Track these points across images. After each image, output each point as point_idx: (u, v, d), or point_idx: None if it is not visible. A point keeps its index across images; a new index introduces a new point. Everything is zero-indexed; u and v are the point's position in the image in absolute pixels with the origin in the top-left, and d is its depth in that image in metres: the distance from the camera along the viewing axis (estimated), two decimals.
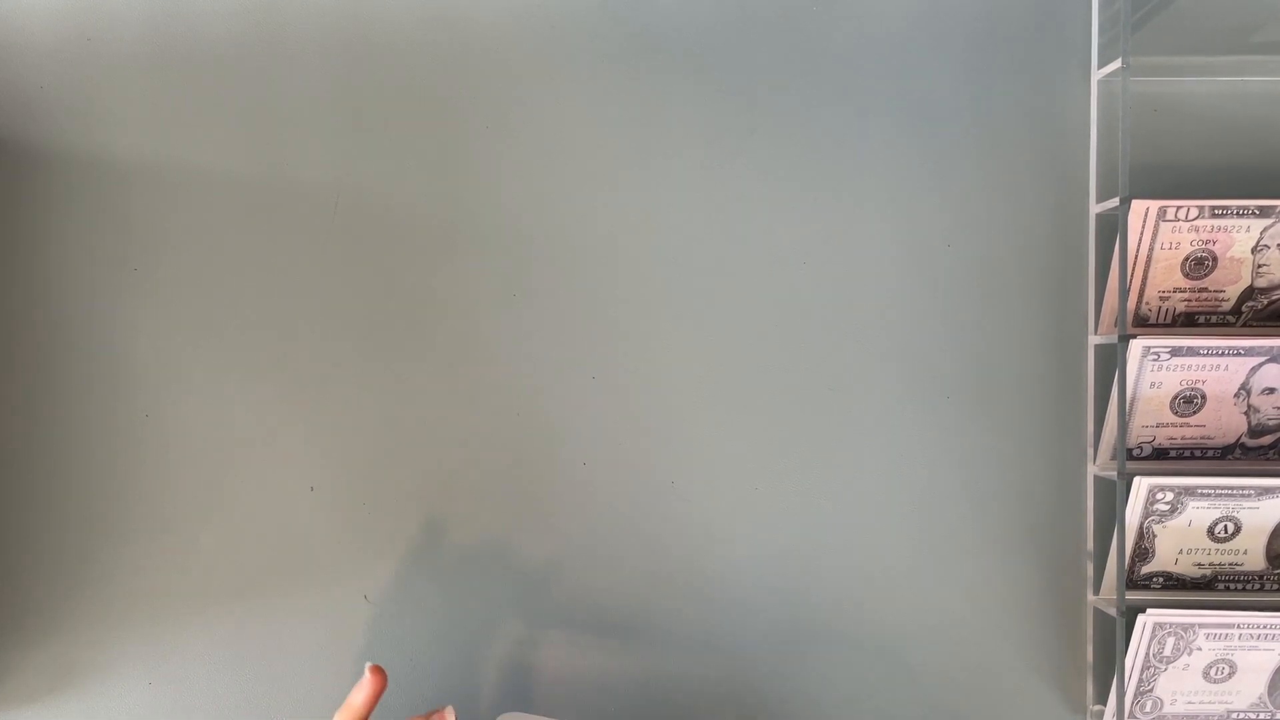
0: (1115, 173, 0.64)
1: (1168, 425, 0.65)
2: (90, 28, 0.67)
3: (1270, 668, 0.64)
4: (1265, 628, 0.63)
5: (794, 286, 0.68)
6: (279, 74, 0.68)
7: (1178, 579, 0.65)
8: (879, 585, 0.68)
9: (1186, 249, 0.64)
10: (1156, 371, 0.63)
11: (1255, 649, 0.63)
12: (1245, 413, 0.64)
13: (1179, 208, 0.63)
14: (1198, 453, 0.65)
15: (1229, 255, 0.64)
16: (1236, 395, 0.64)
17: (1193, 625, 0.63)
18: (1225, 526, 0.64)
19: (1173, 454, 0.65)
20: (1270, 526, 0.64)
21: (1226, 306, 0.65)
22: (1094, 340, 0.67)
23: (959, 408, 0.68)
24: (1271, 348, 0.62)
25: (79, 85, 0.67)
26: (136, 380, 0.68)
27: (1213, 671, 0.64)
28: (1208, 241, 0.64)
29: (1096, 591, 0.67)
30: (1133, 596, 0.65)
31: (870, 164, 0.68)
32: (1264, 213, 0.63)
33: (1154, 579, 0.65)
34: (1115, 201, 0.64)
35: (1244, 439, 0.65)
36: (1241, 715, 0.65)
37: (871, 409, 0.68)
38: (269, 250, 0.68)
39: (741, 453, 0.68)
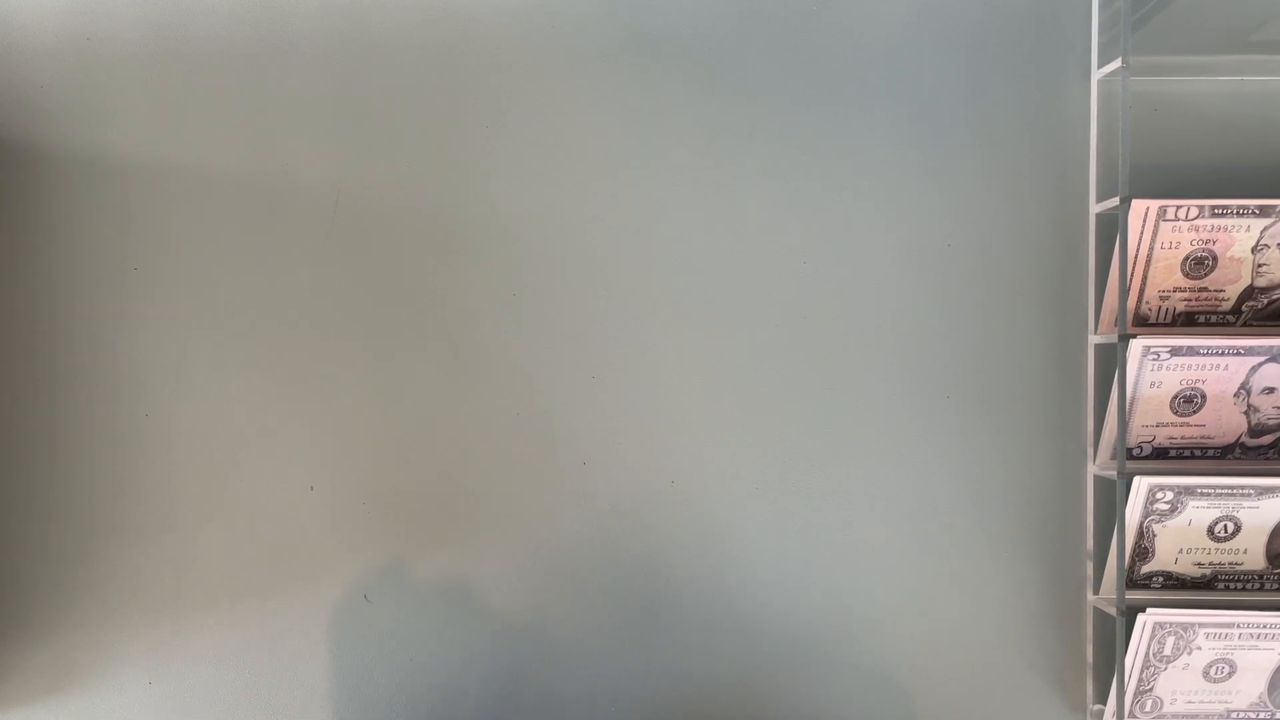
0: (1115, 172, 0.64)
1: (1168, 425, 0.65)
2: (90, 28, 0.67)
3: (1270, 667, 0.64)
4: (1265, 627, 0.63)
5: (794, 286, 0.68)
6: (279, 74, 0.68)
7: (1178, 578, 0.65)
8: (879, 583, 0.68)
9: (1186, 248, 0.64)
10: (1156, 371, 0.63)
11: (1255, 648, 0.63)
12: (1245, 412, 0.64)
13: (1179, 207, 0.63)
14: (1198, 452, 0.65)
15: (1229, 255, 0.64)
16: (1236, 395, 0.64)
17: (1192, 625, 0.63)
18: (1225, 526, 0.64)
19: (1173, 453, 0.65)
20: (1270, 526, 0.64)
21: (1226, 306, 0.65)
22: (1094, 340, 0.67)
23: (959, 407, 0.68)
24: (1271, 347, 0.62)
25: (79, 85, 0.67)
26: (137, 380, 0.68)
27: (1212, 671, 0.64)
28: (1208, 241, 0.64)
29: (1096, 591, 0.67)
30: (1133, 596, 0.65)
31: (870, 164, 0.68)
32: (1264, 212, 0.63)
33: (1154, 578, 0.65)
34: (1115, 201, 0.64)
35: (1244, 438, 0.65)
36: (1241, 715, 0.65)
37: (871, 408, 0.68)
38: (269, 250, 0.68)
39: (741, 453, 0.68)
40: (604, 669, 0.68)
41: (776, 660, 0.68)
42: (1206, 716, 0.65)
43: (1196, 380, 0.63)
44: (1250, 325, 0.65)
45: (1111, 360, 0.66)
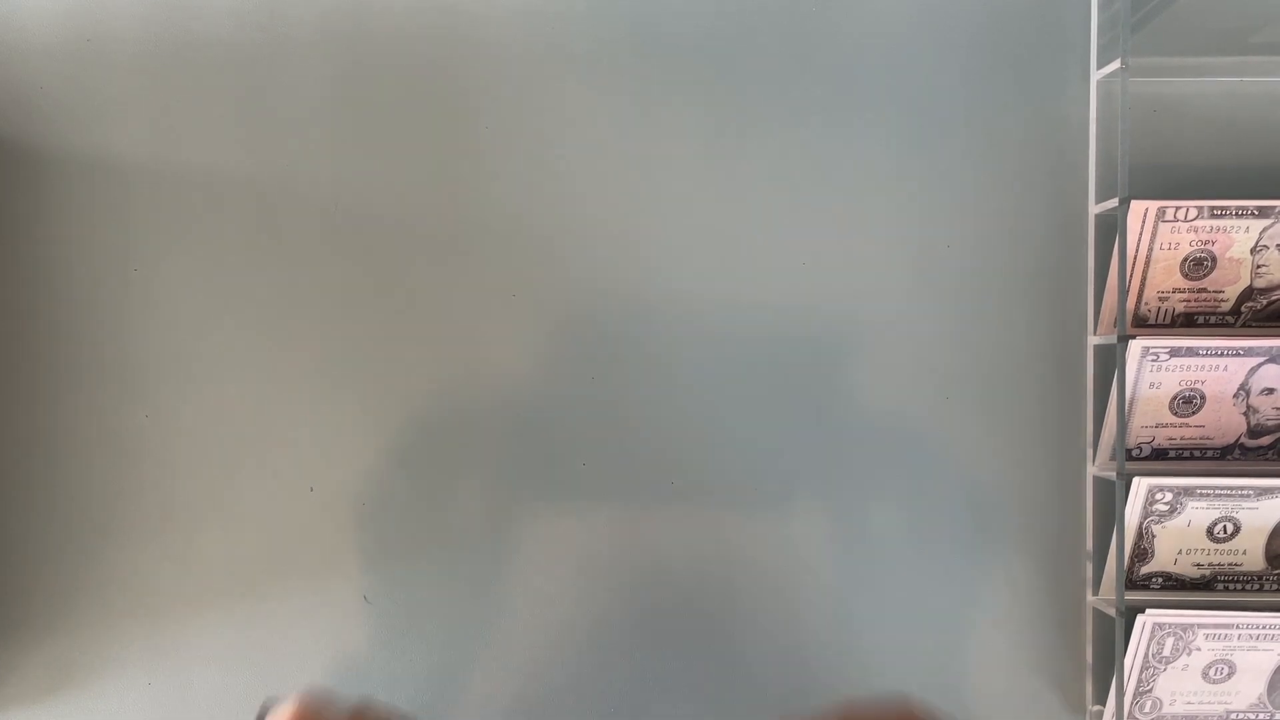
0: (1114, 173, 0.64)
1: (1167, 425, 0.65)
2: (90, 28, 0.67)
3: (1269, 668, 0.64)
4: (1264, 628, 0.63)
5: (794, 287, 0.68)
6: (279, 74, 0.68)
7: (1177, 579, 0.65)
8: (879, 584, 0.68)
9: (1186, 249, 0.64)
10: (1156, 372, 0.63)
11: (1254, 649, 0.63)
12: (1244, 413, 0.64)
13: (1178, 208, 0.63)
14: (1197, 453, 0.65)
15: (1228, 256, 0.64)
16: (1235, 396, 0.64)
17: (1192, 625, 0.63)
18: (1224, 527, 0.64)
19: (1172, 454, 0.65)
20: (1269, 527, 0.64)
21: (1225, 307, 0.65)
22: (1093, 340, 0.67)
23: (959, 408, 0.68)
24: (1270, 348, 0.62)
25: (78, 85, 0.67)
26: (137, 380, 0.68)
27: (1212, 672, 0.64)
28: (1207, 242, 0.64)
29: (1096, 592, 0.67)
30: (1132, 597, 0.65)
31: (870, 165, 0.68)
32: (1263, 213, 0.63)
33: (1153, 579, 0.65)
34: (1114, 202, 0.64)
35: (1243, 439, 0.65)
36: (1240, 715, 0.65)
37: (871, 409, 0.68)
38: (269, 250, 0.68)
39: (741, 453, 0.68)
40: (605, 670, 0.68)
41: (776, 660, 0.68)
42: (1206, 717, 0.65)
43: (1196, 381, 0.63)
44: (1249, 326, 0.65)
45: (1111, 361, 0.66)
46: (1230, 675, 0.64)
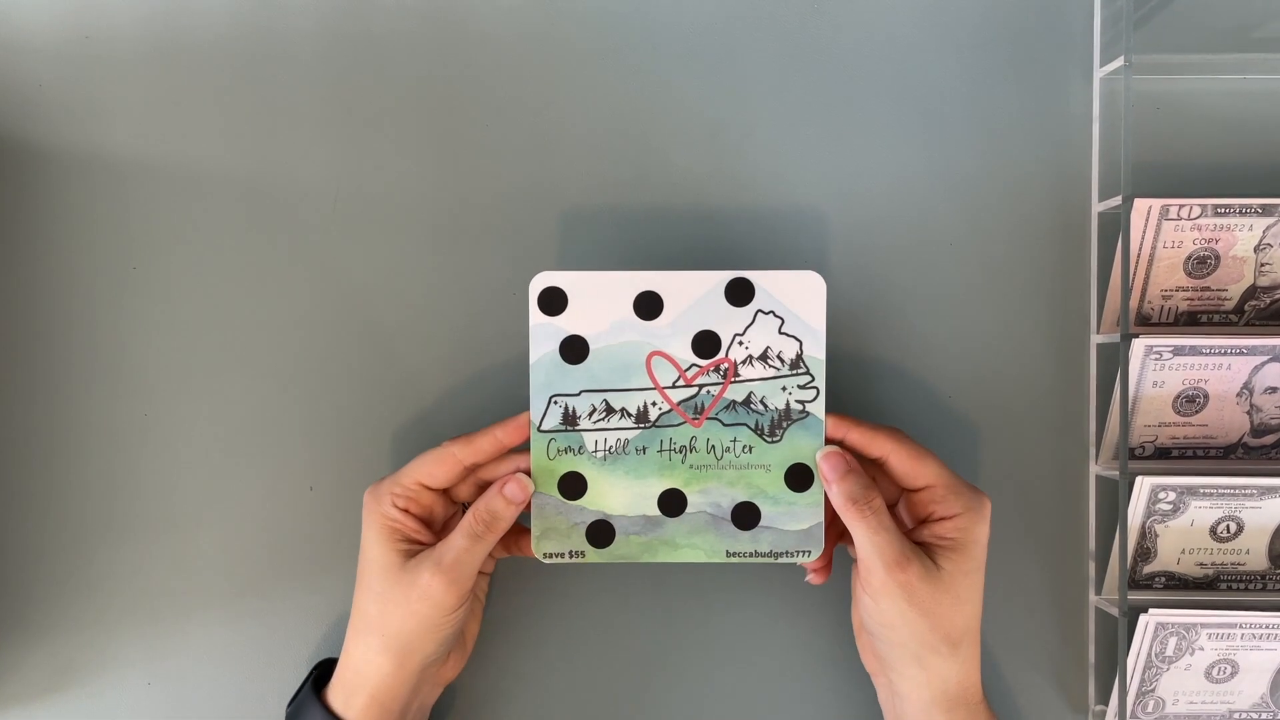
0: (1117, 171, 0.64)
1: (1170, 424, 0.64)
2: (89, 26, 0.67)
3: (1272, 668, 0.64)
4: (1267, 628, 0.63)
5: None
6: (278, 72, 0.67)
7: (1180, 579, 0.65)
8: None
9: (1189, 248, 0.64)
10: (1159, 371, 0.63)
11: (1257, 649, 0.63)
12: (1248, 412, 0.64)
13: (1181, 206, 0.62)
14: (1200, 452, 0.65)
15: (1231, 254, 0.64)
16: (1239, 395, 0.64)
17: (1195, 625, 0.63)
18: (1227, 526, 0.64)
19: (1175, 453, 0.65)
20: (1272, 526, 0.64)
21: (1229, 305, 0.65)
22: (1096, 339, 0.67)
23: (959, 407, 0.68)
24: (1274, 347, 0.62)
25: (77, 84, 0.67)
26: (136, 380, 0.67)
27: (1215, 671, 0.64)
28: (1210, 240, 0.63)
29: (1099, 591, 0.67)
30: (1135, 596, 0.65)
31: (870, 163, 0.68)
32: (1267, 211, 0.63)
33: (1156, 579, 0.65)
34: (1117, 200, 0.64)
35: (1246, 438, 0.65)
36: (1243, 715, 0.65)
37: (871, 410, 0.68)
38: (268, 249, 0.68)
39: None
40: (607, 679, 0.68)
41: (776, 664, 0.68)
42: (1209, 717, 0.65)
43: (1199, 380, 0.63)
44: (1253, 325, 0.65)
45: (1114, 360, 0.66)
46: (1233, 675, 0.64)
